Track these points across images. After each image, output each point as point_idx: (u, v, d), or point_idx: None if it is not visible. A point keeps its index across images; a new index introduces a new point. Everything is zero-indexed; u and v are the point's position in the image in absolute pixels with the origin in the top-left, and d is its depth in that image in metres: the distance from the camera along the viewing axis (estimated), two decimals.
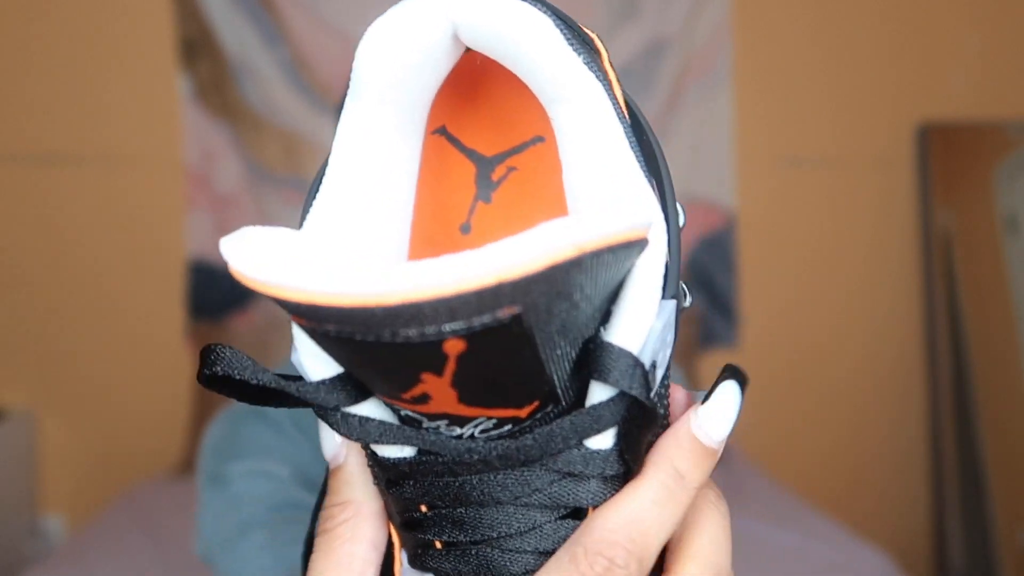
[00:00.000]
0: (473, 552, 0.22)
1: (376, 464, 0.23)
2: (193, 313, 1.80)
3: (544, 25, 0.21)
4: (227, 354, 0.21)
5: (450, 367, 0.18)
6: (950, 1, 1.93)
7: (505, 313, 0.16)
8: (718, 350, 1.89)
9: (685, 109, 1.88)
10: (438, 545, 0.22)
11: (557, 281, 0.16)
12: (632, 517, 0.21)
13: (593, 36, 0.23)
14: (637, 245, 0.18)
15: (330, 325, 0.17)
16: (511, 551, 0.22)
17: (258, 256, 0.17)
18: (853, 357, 1.93)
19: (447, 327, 0.16)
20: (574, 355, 0.19)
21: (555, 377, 0.19)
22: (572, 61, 0.21)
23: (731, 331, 1.90)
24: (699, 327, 1.88)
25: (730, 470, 1.64)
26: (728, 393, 0.23)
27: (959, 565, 1.78)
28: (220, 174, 1.80)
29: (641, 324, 0.20)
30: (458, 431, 0.20)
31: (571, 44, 0.21)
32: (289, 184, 1.81)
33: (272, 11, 1.79)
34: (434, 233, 0.26)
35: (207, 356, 0.20)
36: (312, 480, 0.69)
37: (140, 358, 1.79)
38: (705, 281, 1.89)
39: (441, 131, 0.27)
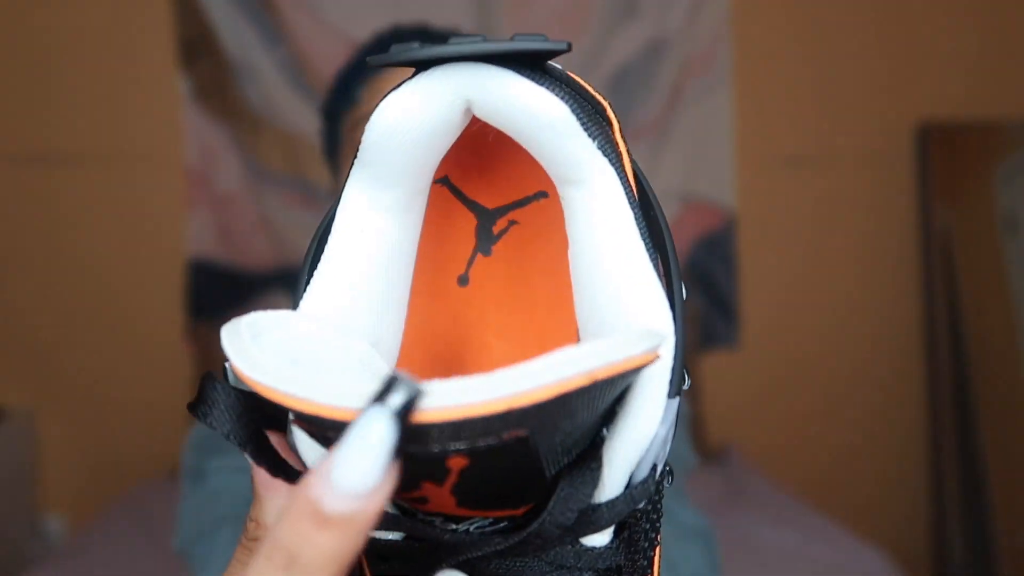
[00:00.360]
0: None
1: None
2: (193, 313, 1.80)
3: (561, 113, 0.21)
4: (218, 408, 0.20)
5: (451, 479, 0.18)
6: (949, 1, 1.93)
7: (511, 435, 0.16)
8: (718, 350, 1.89)
9: (685, 109, 1.88)
10: None
11: (566, 406, 0.17)
12: None
13: (605, 105, 0.22)
14: (649, 364, 0.18)
15: (332, 433, 0.17)
16: None
17: (263, 360, 0.17)
18: (853, 357, 1.93)
19: (452, 446, 0.16)
20: (573, 457, 0.19)
21: (550, 480, 0.19)
22: (587, 148, 0.21)
23: (731, 331, 1.90)
24: (699, 327, 1.88)
25: (730, 470, 1.64)
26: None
27: (959, 565, 1.78)
28: (220, 174, 1.80)
29: (646, 432, 0.20)
30: (453, 527, 0.20)
31: (587, 129, 0.21)
32: (289, 184, 1.81)
33: (273, 11, 1.79)
34: (432, 284, 0.26)
35: (202, 395, 0.20)
36: None
37: (140, 358, 1.79)
38: (705, 281, 1.89)
39: (444, 181, 0.26)
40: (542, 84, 0.21)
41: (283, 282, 1.79)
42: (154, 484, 1.59)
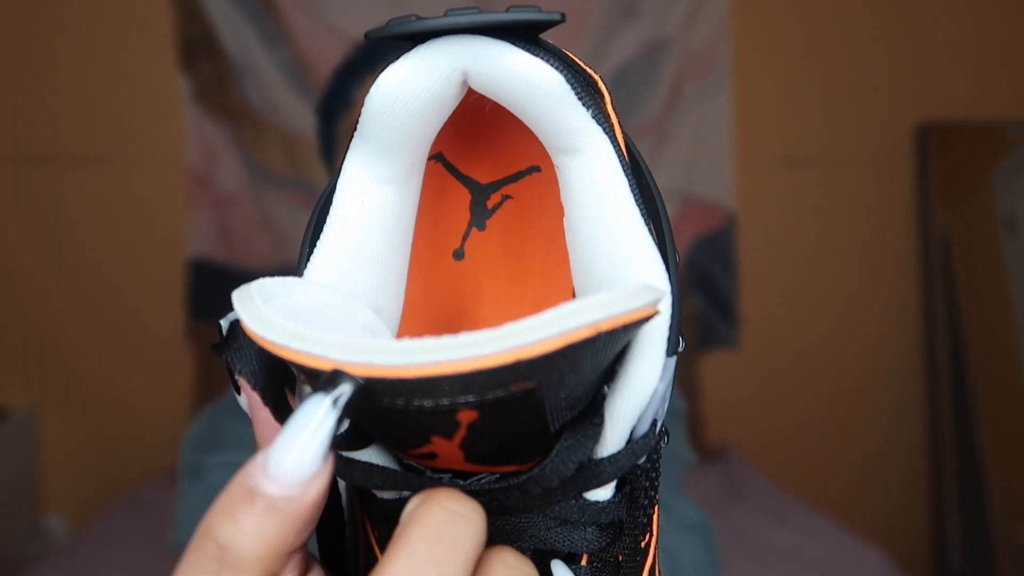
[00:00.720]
0: None
1: (366, 500, 0.23)
2: (193, 313, 1.80)
3: (557, 83, 0.21)
4: (243, 352, 0.21)
5: (460, 432, 0.18)
6: (949, 1, 1.93)
7: (519, 388, 0.17)
8: (718, 350, 1.89)
9: (684, 109, 1.88)
10: None
11: (571, 358, 0.17)
12: None
13: (597, 79, 0.23)
14: (649, 319, 0.19)
15: None
16: None
17: (275, 320, 0.17)
18: (852, 357, 1.93)
19: (461, 399, 0.17)
20: (577, 413, 0.20)
21: (555, 435, 0.20)
22: (582, 116, 0.21)
23: (731, 331, 1.91)
24: (698, 327, 1.88)
25: (729, 470, 1.64)
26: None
27: (958, 565, 1.79)
28: (221, 174, 1.81)
29: (646, 388, 0.21)
30: (461, 483, 0.21)
31: (581, 99, 0.21)
32: (289, 184, 1.81)
33: (273, 12, 1.79)
34: (428, 258, 0.27)
35: (230, 336, 0.20)
36: None
37: (141, 358, 1.79)
38: (705, 281, 1.90)
39: (438, 157, 0.27)
40: (537, 55, 0.21)
41: None
42: (154, 484, 1.59)
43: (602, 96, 0.23)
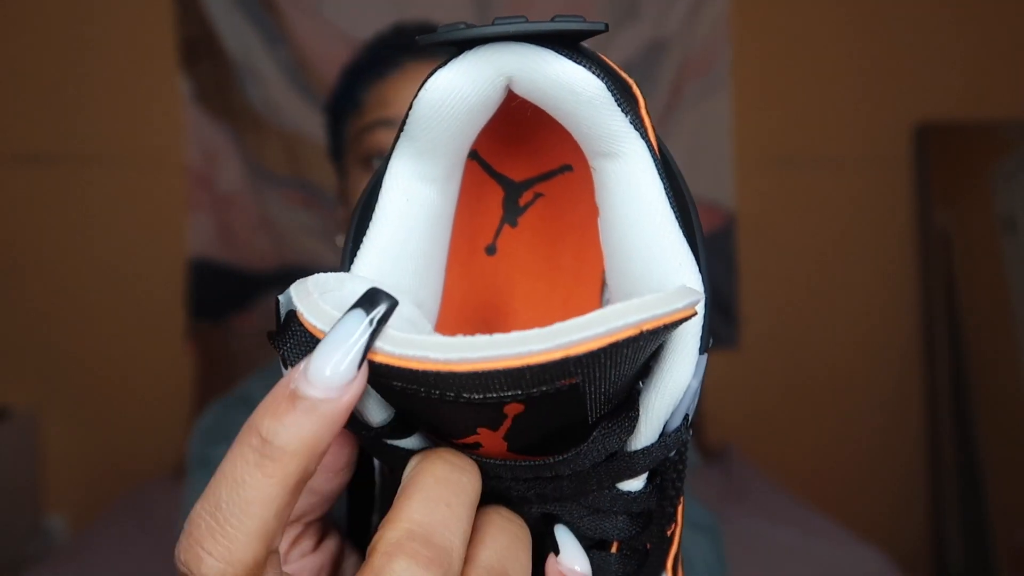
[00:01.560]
0: None
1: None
2: (194, 313, 1.80)
3: (597, 89, 0.22)
4: (295, 342, 0.21)
5: (506, 424, 0.19)
6: (948, 1, 1.94)
7: (564, 383, 0.18)
8: (718, 350, 1.89)
9: (684, 109, 1.88)
10: None
11: (615, 356, 0.18)
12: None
13: (631, 84, 0.24)
14: (688, 319, 0.20)
15: (397, 382, 0.18)
16: None
17: (332, 313, 0.19)
18: (852, 356, 1.94)
19: (509, 393, 0.18)
20: (613, 407, 0.21)
21: (594, 426, 0.21)
22: (620, 122, 0.22)
23: (731, 331, 1.91)
24: None
25: (730, 470, 1.65)
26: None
27: (957, 565, 1.79)
28: (221, 175, 1.81)
29: (680, 384, 0.22)
30: (496, 461, 0.22)
31: (620, 105, 0.22)
32: (290, 185, 1.82)
33: (273, 12, 1.79)
34: (462, 253, 0.28)
35: (285, 326, 0.21)
36: None
37: (141, 358, 1.79)
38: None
39: (473, 155, 0.28)
40: (580, 63, 0.22)
41: (284, 282, 1.79)
42: (155, 484, 1.59)
43: (637, 101, 0.23)
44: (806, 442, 1.91)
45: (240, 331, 1.78)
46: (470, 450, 0.21)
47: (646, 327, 0.18)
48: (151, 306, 1.80)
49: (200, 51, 1.79)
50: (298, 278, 0.23)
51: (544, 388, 0.18)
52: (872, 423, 1.94)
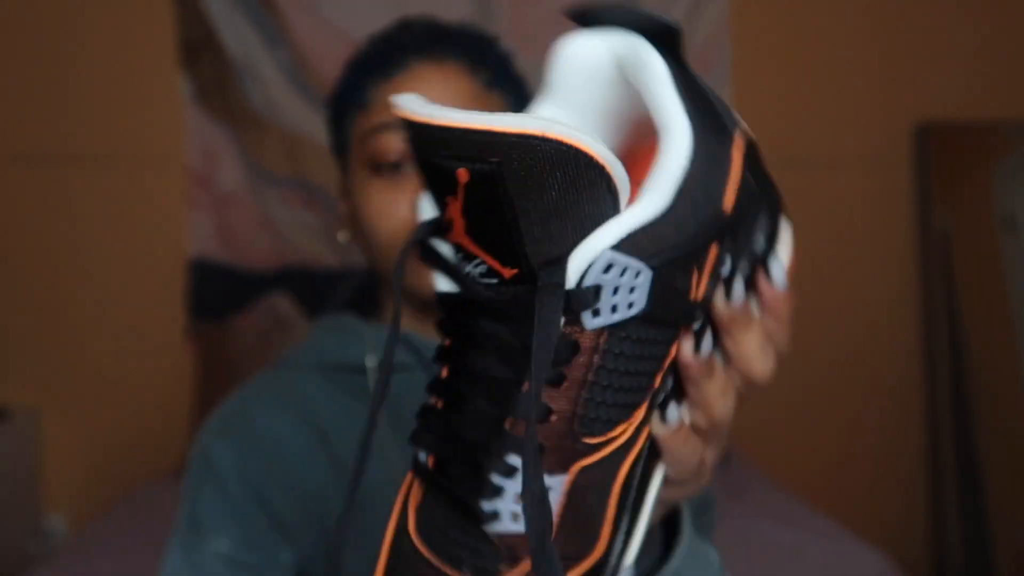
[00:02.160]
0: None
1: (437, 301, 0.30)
2: (194, 313, 1.80)
3: (661, 69, 0.28)
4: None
5: (460, 194, 0.25)
6: (948, 1, 1.94)
7: (490, 160, 0.23)
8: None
9: None
10: (439, 406, 0.29)
11: (529, 151, 0.23)
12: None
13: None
14: (600, 176, 0.24)
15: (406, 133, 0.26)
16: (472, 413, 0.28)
17: (427, 108, 0.25)
18: (852, 357, 1.94)
19: (444, 152, 0.24)
20: (545, 245, 0.25)
21: (528, 258, 0.25)
22: (673, 100, 0.28)
23: None
24: None
25: (730, 470, 1.64)
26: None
27: (958, 565, 1.79)
28: (221, 174, 1.81)
29: (595, 245, 0.25)
30: (467, 267, 0.27)
31: (674, 80, 0.29)
32: (290, 185, 1.82)
33: (273, 12, 1.79)
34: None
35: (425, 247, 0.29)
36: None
37: (142, 358, 1.79)
38: None
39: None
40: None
41: (285, 282, 1.79)
42: (156, 484, 1.59)
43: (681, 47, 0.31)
44: (806, 442, 1.91)
45: (240, 331, 1.78)
46: (449, 232, 0.27)
47: (549, 134, 0.23)
48: (151, 306, 1.80)
49: (200, 51, 1.79)
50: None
51: (473, 157, 0.24)
52: (872, 423, 1.94)
